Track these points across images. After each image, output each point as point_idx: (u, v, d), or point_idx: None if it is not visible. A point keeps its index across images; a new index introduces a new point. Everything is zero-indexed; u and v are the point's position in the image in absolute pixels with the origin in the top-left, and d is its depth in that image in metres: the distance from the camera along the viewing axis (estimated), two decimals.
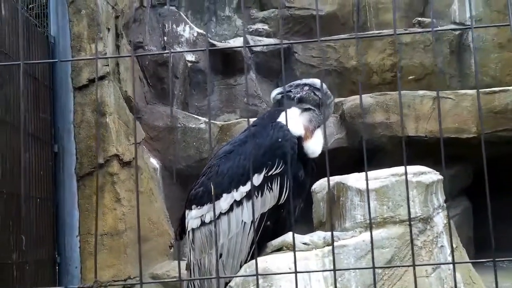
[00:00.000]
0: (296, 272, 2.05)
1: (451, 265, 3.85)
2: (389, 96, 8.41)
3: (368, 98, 8.51)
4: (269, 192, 3.61)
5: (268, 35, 9.60)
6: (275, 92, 3.97)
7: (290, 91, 3.92)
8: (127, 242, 6.57)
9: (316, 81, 3.98)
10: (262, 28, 9.69)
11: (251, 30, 9.68)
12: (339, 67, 9.57)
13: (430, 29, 9.04)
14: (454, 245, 3.93)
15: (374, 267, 2.00)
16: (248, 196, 3.60)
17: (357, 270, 3.60)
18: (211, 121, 8.20)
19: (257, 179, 3.61)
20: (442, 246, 3.82)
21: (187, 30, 9.00)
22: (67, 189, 6.38)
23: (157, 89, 8.44)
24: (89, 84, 6.44)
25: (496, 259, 1.82)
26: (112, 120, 6.51)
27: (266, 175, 3.60)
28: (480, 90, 8.37)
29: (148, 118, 7.91)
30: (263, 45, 9.03)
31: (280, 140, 3.61)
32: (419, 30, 9.42)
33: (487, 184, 1.96)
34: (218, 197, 3.68)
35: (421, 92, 8.38)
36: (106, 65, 6.50)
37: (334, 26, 9.60)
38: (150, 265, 6.80)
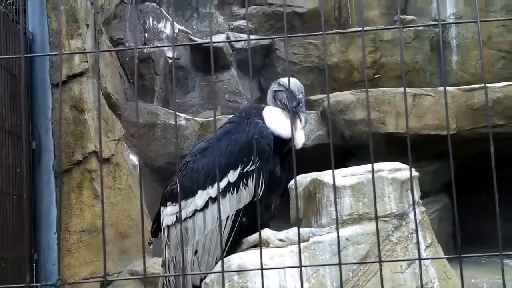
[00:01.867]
0: (262, 269, 2.04)
1: (426, 261, 3.88)
2: (369, 93, 8.43)
3: (348, 95, 8.54)
4: (245, 188, 3.61)
5: (250, 32, 9.58)
6: (304, 123, 3.84)
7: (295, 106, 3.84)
8: (106, 238, 6.53)
9: (296, 80, 3.98)
10: (244, 25, 9.67)
11: (232, 27, 9.66)
12: (320, 64, 9.58)
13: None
14: (429, 241, 3.96)
15: (340, 263, 1.98)
16: (224, 192, 3.60)
17: (332, 267, 3.61)
18: (191, 117, 8.18)
19: (233, 175, 3.61)
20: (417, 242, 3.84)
21: (168, 27, 8.95)
22: (45, 186, 6.33)
23: (137, 86, 8.41)
24: (67, 81, 6.39)
25: (462, 255, 1.82)
26: (91, 116, 6.47)
27: (241, 171, 3.60)
28: (460, 87, 8.45)
29: (129, 115, 7.87)
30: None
31: (256, 136, 3.61)
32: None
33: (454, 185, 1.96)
34: (193, 193, 3.68)
35: (401, 89, 8.40)
36: (85, 61, 6.45)
37: (316, 23, 9.59)
38: (130, 261, 6.78)
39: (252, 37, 9.06)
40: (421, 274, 1.98)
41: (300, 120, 3.82)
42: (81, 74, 6.42)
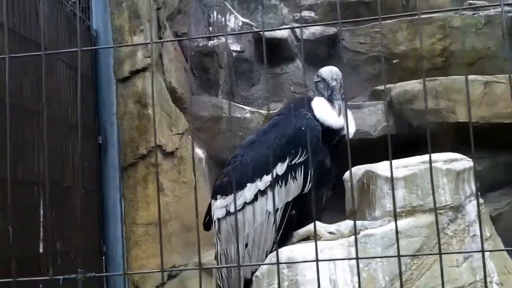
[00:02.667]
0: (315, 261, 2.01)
1: (485, 254, 3.75)
2: (438, 81, 8.22)
3: (416, 84, 8.35)
4: (293, 181, 3.59)
5: (314, 23, 9.47)
6: (343, 110, 3.81)
7: (342, 93, 3.84)
8: (171, 231, 6.65)
9: (335, 68, 3.95)
10: (309, 16, 9.58)
11: (297, 18, 9.58)
12: (387, 53, 9.36)
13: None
14: (488, 234, 3.82)
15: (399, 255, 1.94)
16: (272, 185, 3.59)
17: (384, 260, 3.54)
18: (256, 110, 8.18)
19: (281, 168, 3.60)
20: (474, 235, 3.71)
21: (232, 20, 8.98)
22: (112, 179, 6.50)
23: (202, 80, 8.48)
24: (131, 76, 6.53)
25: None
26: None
27: (289, 164, 3.58)
28: None
29: (194, 108, 7.95)
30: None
31: (303, 128, 3.59)
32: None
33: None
34: (242, 186, 3.69)
35: (471, 77, 8.14)
36: (148, 57, 6.56)
37: (382, 12, 9.38)
38: (195, 254, 6.84)
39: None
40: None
41: (335, 108, 3.77)
42: (144, 69, 6.54)
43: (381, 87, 8.88)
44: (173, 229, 6.67)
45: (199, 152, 7.69)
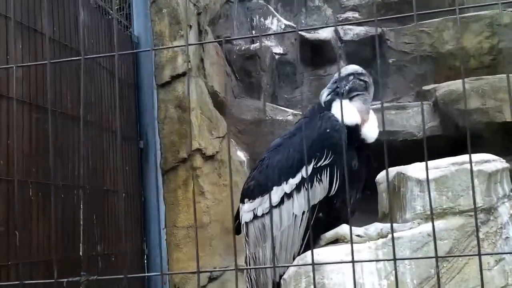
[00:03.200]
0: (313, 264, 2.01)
1: None
2: (484, 80, 8.03)
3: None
4: (319, 183, 3.57)
5: (359, 24, 9.42)
6: (325, 94, 3.89)
7: (337, 87, 3.86)
8: (211, 234, 6.69)
9: (356, 67, 3.93)
10: (353, 17, 9.50)
11: (341, 19, 9.53)
12: (433, 52, 9.21)
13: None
14: None
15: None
16: (298, 188, 3.58)
17: (412, 263, 3.48)
18: (298, 112, 8.16)
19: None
20: (507, 237, 3.62)
21: (275, 23, 8.99)
22: (153, 183, 6.58)
23: (245, 83, 8.51)
24: (171, 81, 6.62)
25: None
26: (195, 115, 6.65)
27: (315, 166, 3.56)
28: None
29: (236, 111, 7.99)
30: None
31: (328, 130, 3.57)
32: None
33: None
34: (268, 190, 3.69)
35: None
36: (188, 62, 6.64)
37: (429, 9, 9.22)
38: (237, 256, 6.86)
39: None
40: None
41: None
42: (184, 74, 6.62)
43: (426, 87, 8.73)
44: (214, 232, 6.72)
45: (241, 155, 7.72)
